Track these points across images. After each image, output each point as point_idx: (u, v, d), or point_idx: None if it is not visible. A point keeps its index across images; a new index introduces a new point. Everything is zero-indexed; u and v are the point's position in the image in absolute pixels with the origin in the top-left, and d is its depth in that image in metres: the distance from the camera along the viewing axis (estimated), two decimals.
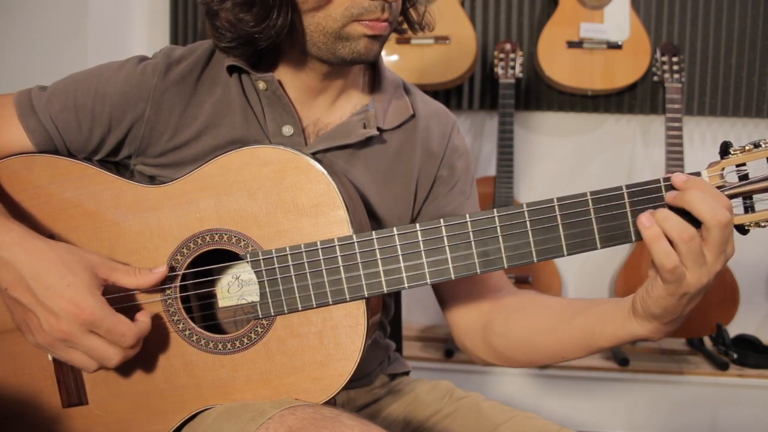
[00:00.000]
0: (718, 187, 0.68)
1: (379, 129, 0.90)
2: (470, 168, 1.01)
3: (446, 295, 0.96)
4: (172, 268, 0.80)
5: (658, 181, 0.69)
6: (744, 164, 0.67)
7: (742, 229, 0.69)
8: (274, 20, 0.77)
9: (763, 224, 0.68)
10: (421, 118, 0.95)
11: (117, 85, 0.87)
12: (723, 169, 0.68)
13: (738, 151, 0.67)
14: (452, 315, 0.96)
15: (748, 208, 0.68)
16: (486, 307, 0.92)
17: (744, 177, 0.67)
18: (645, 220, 0.67)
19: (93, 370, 0.76)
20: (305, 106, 0.90)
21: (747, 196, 0.68)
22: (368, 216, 0.89)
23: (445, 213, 0.95)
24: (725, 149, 0.68)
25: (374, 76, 0.95)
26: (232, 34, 0.80)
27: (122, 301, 0.79)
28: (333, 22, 0.79)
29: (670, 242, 0.67)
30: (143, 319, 0.77)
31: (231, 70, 0.88)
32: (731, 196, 0.68)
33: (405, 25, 0.94)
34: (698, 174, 0.69)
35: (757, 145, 0.67)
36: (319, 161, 0.77)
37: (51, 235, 0.82)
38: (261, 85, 0.87)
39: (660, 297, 0.69)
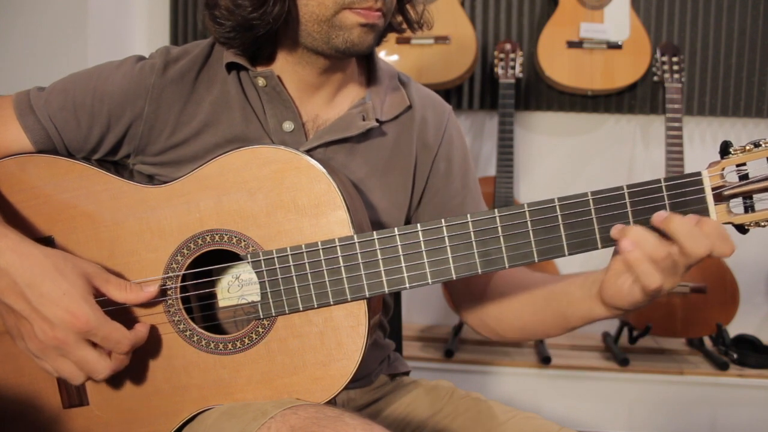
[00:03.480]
0: (719, 188, 0.68)
1: (377, 120, 0.91)
2: (468, 157, 1.02)
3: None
4: (163, 292, 0.80)
5: (658, 181, 0.69)
6: (744, 164, 0.67)
7: (742, 229, 0.69)
8: (271, 6, 0.80)
9: (763, 224, 0.68)
10: (417, 109, 0.96)
11: (115, 84, 0.87)
12: (723, 168, 0.68)
13: (738, 151, 0.67)
14: (455, 296, 1.02)
15: (748, 208, 0.68)
16: (480, 289, 0.97)
17: (744, 177, 0.67)
18: (627, 244, 0.69)
19: (79, 383, 0.76)
20: (304, 102, 0.90)
21: (747, 196, 0.68)
22: (370, 208, 0.90)
23: (447, 206, 0.97)
24: (725, 149, 0.68)
25: (369, 69, 0.96)
26: (231, 22, 0.82)
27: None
28: (325, 10, 0.80)
29: None
30: (139, 327, 0.77)
31: (229, 67, 0.88)
32: (731, 196, 0.68)
33: (404, 25, 0.94)
34: (698, 174, 0.69)
35: (757, 145, 0.67)
36: (320, 161, 0.78)
37: (50, 237, 0.82)
38: (260, 81, 0.87)
39: (636, 301, 0.73)
